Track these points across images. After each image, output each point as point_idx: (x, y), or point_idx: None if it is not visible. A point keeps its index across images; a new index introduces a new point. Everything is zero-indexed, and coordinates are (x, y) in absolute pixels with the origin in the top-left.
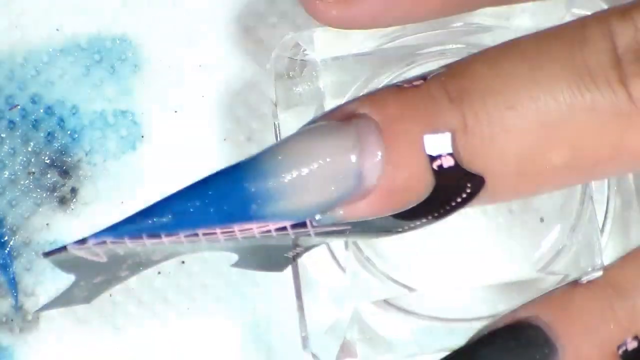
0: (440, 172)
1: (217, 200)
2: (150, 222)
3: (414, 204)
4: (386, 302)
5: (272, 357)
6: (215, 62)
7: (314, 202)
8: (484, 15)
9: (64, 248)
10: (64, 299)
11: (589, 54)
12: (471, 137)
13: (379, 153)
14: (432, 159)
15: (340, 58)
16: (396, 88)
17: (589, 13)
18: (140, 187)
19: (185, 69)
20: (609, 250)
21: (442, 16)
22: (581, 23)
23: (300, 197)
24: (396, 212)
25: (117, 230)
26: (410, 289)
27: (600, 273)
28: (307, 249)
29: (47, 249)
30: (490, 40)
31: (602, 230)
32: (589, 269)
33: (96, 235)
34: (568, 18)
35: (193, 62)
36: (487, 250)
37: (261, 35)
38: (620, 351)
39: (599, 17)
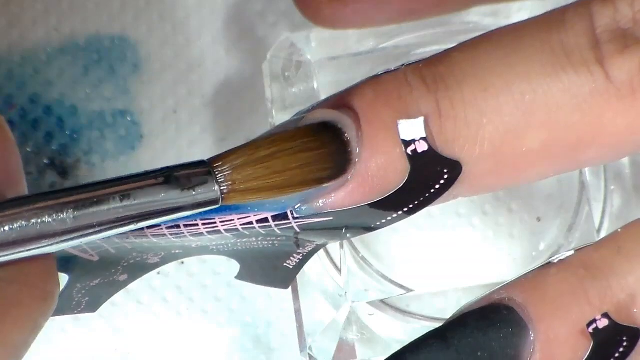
0: (415, 157)
1: None
2: None
3: (392, 191)
4: (384, 302)
5: (271, 358)
6: (215, 62)
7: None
8: (481, 14)
9: None
10: (67, 306)
11: (567, 35)
12: (445, 121)
13: (355, 141)
14: (407, 144)
15: (336, 58)
16: (374, 76)
17: None
18: None
19: (184, 69)
20: None
21: (434, 16)
22: (562, 8)
23: None
24: (375, 201)
25: None
26: (407, 289)
27: (571, 252)
28: (307, 257)
29: None
30: None
31: (599, 229)
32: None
33: None
34: None
35: (192, 61)
36: (484, 250)
37: (260, 35)
38: (591, 329)
39: (579, 1)
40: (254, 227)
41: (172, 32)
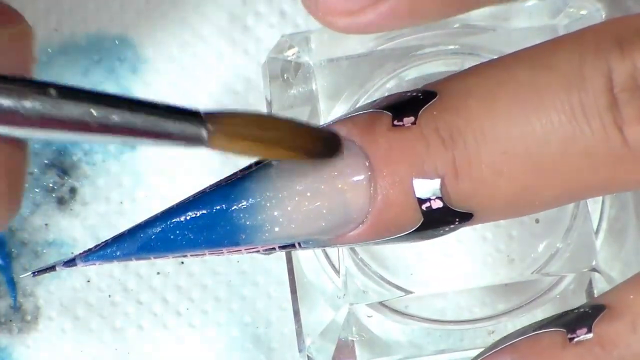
0: (429, 213)
1: (206, 230)
2: (139, 249)
3: (401, 234)
4: (382, 304)
5: (271, 357)
6: (215, 62)
7: (303, 233)
8: (480, 16)
9: (53, 268)
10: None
11: (586, 95)
12: (461, 181)
13: (368, 191)
14: (421, 201)
15: (335, 60)
16: (387, 126)
17: (583, 12)
18: (140, 187)
19: (184, 70)
20: (604, 252)
21: (442, 19)
22: (579, 56)
23: (290, 229)
24: (381, 239)
25: (106, 255)
26: (406, 291)
27: (590, 335)
28: None
29: (45, 250)
30: (485, 41)
31: (597, 232)
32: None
33: (85, 259)
34: (562, 17)
35: (192, 62)
36: (483, 251)
37: (261, 35)
38: None
39: (597, 52)
40: (258, 251)
41: (172, 33)
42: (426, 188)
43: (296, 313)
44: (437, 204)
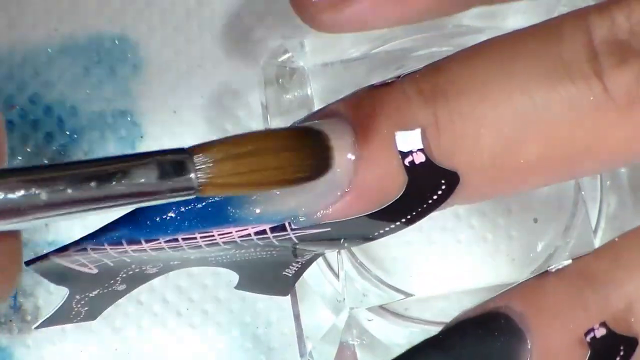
0: (412, 169)
1: (192, 203)
2: (129, 229)
3: (390, 202)
4: (382, 307)
5: (271, 357)
6: (214, 63)
7: (289, 204)
8: (474, 17)
9: (45, 256)
10: (66, 315)
11: (565, 48)
12: (443, 133)
13: (352, 152)
14: (404, 155)
15: (330, 64)
16: (370, 87)
17: None
18: None
19: (184, 70)
20: None
21: (432, 17)
22: (558, 20)
23: (276, 201)
24: (373, 212)
25: (96, 237)
26: (406, 293)
27: (569, 261)
28: (305, 265)
29: (45, 250)
30: (479, 42)
31: (595, 229)
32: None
33: (77, 242)
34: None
35: (192, 62)
36: (483, 251)
37: (260, 36)
38: (588, 338)
39: (576, 14)
40: (252, 239)
41: (172, 33)
42: (407, 140)
43: (297, 317)
44: (419, 158)
